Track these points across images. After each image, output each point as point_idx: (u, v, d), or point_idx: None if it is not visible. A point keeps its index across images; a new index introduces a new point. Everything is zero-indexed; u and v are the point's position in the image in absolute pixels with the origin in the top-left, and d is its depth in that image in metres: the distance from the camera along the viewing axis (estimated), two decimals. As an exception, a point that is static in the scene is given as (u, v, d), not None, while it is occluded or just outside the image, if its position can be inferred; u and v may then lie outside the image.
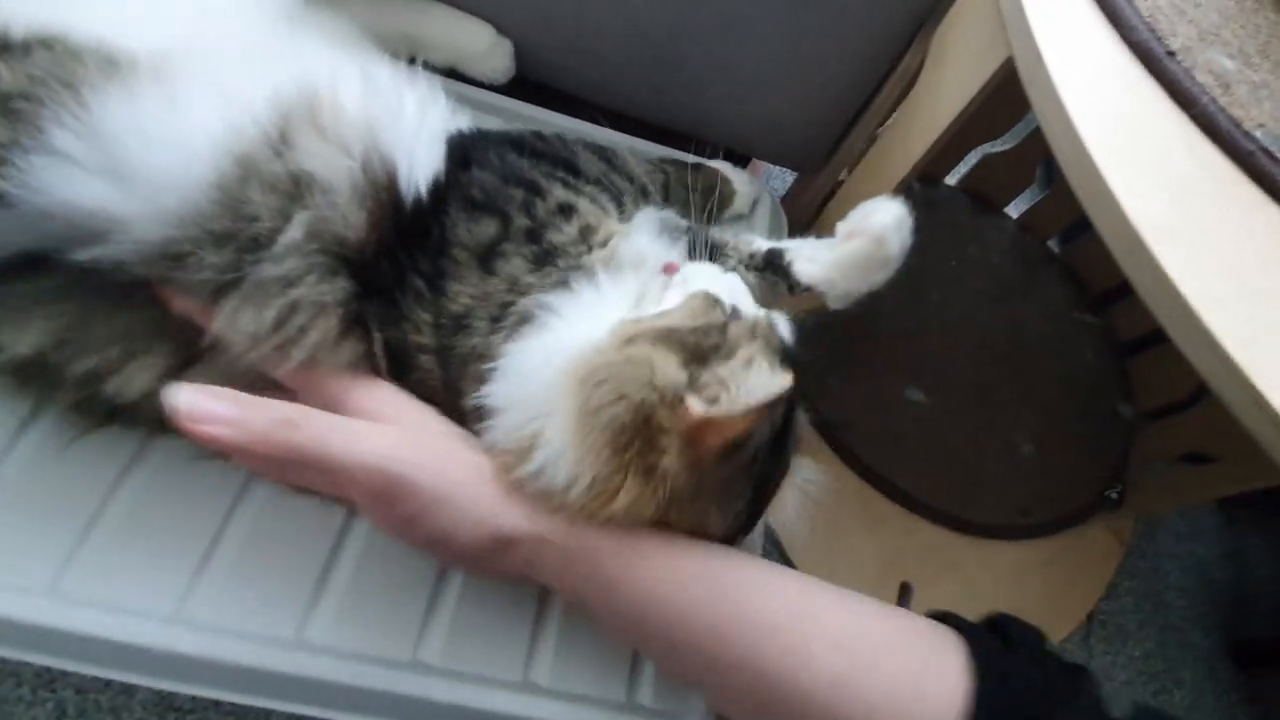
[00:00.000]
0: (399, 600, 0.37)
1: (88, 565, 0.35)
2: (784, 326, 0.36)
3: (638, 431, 0.29)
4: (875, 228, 0.39)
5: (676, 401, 0.29)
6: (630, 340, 0.31)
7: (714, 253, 0.39)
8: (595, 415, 0.29)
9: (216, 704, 0.56)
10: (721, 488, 0.31)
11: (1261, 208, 0.36)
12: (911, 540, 0.78)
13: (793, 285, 0.41)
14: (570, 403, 0.30)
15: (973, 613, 0.78)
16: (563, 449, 0.29)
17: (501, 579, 0.36)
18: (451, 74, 0.57)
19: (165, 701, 0.56)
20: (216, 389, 0.28)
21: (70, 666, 0.34)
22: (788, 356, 0.34)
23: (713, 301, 0.34)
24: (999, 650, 0.32)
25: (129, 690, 0.56)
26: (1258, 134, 0.37)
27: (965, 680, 0.30)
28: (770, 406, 0.29)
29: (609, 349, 0.31)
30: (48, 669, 0.55)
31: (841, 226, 0.40)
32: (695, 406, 0.29)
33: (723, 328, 0.32)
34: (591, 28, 0.58)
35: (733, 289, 0.36)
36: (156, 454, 0.38)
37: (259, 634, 0.35)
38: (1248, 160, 0.36)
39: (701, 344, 0.31)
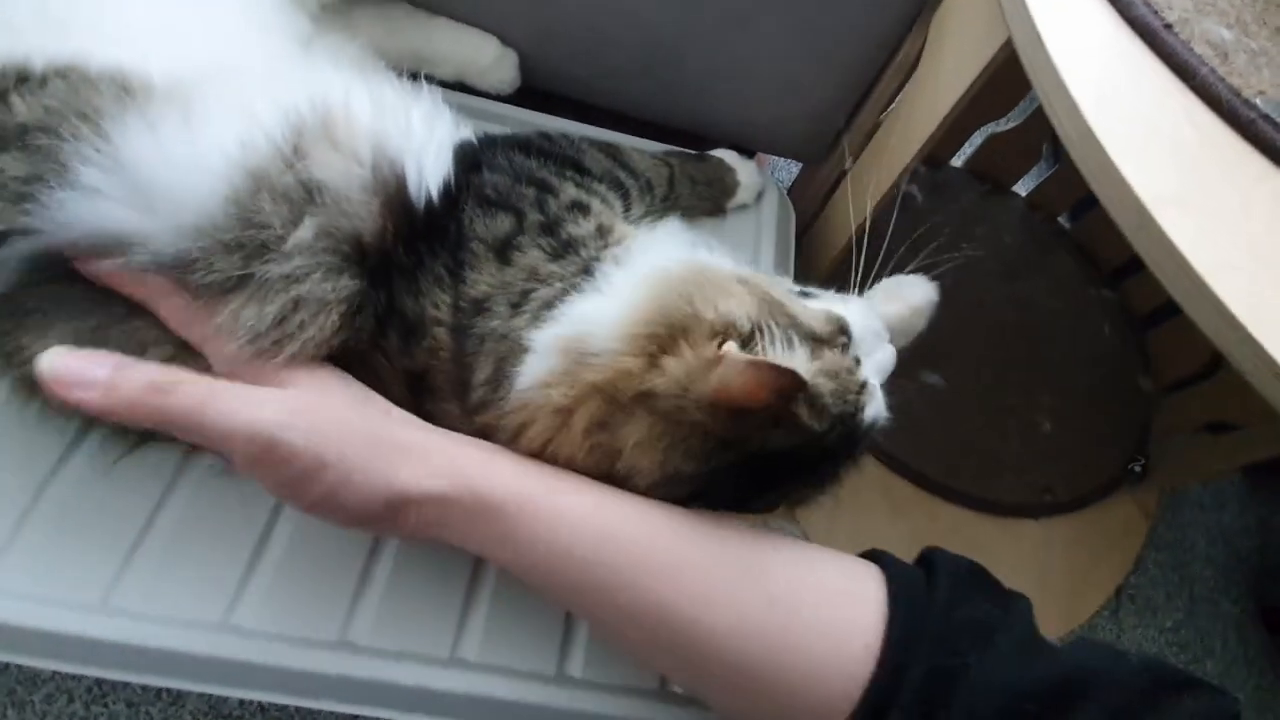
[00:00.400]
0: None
1: (137, 579, 0.36)
2: (874, 398, 0.35)
3: (675, 333, 0.30)
4: (914, 299, 0.44)
5: (717, 334, 0.30)
6: (743, 280, 0.33)
7: None
8: (661, 297, 0.31)
9: (264, 709, 0.58)
10: (699, 440, 0.31)
11: (1266, 176, 0.36)
12: (934, 523, 0.78)
13: None
14: (651, 290, 0.32)
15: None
16: (615, 318, 0.31)
17: (410, 541, 0.36)
18: (458, 87, 0.59)
19: (215, 710, 0.57)
20: (90, 352, 0.27)
21: (123, 677, 0.36)
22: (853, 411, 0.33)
23: (839, 326, 0.35)
24: (919, 585, 0.31)
25: (179, 701, 0.57)
26: (1258, 101, 0.37)
27: (882, 619, 0.30)
28: (786, 401, 0.30)
29: (722, 271, 0.34)
30: (99, 684, 0.57)
31: (878, 292, 0.44)
32: (728, 346, 0.29)
33: (821, 342, 0.33)
34: (593, 33, 0.59)
35: (874, 337, 0.37)
36: (197, 469, 0.39)
37: (301, 637, 0.36)
38: (1250, 128, 0.37)
39: (782, 323, 0.32)
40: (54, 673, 0.57)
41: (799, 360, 0.31)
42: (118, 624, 0.35)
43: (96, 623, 0.35)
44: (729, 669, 0.31)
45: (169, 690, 0.58)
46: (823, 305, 0.36)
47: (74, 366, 0.27)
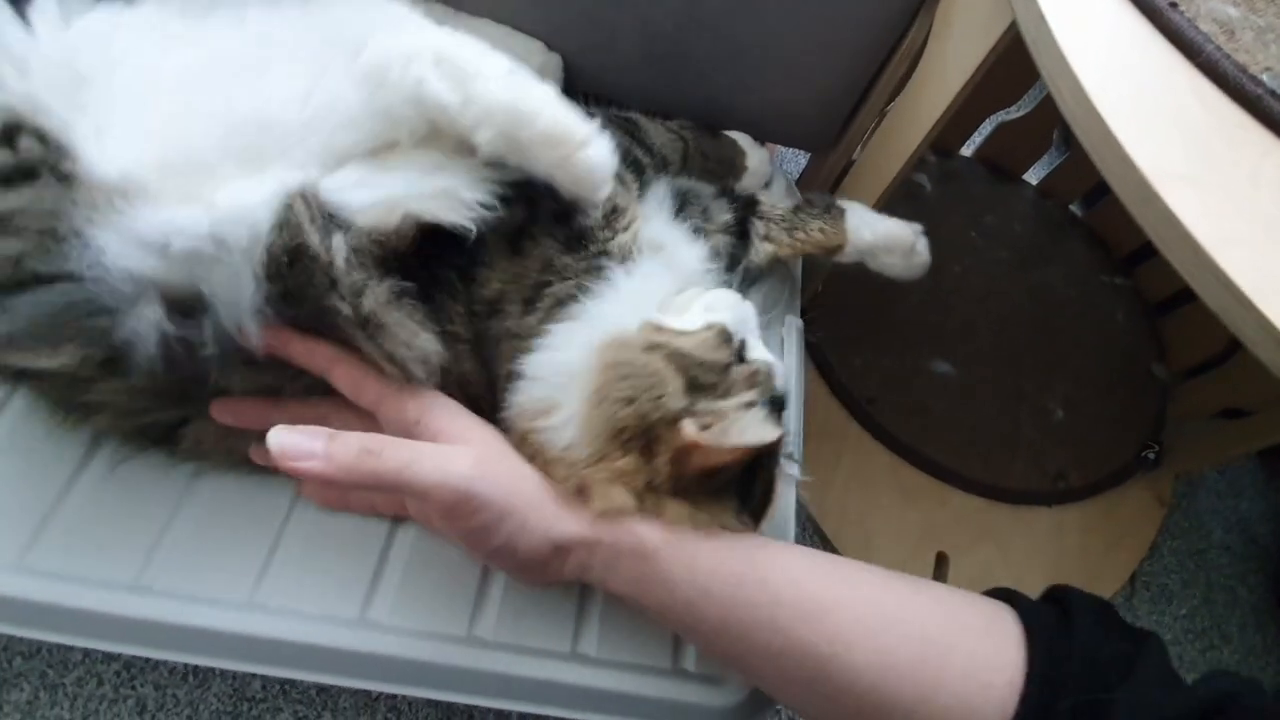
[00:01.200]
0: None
1: (166, 560, 0.38)
2: (780, 375, 0.38)
3: (638, 433, 0.33)
4: (913, 229, 0.52)
5: (674, 420, 0.32)
6: (651, 347, 0.34)
7: (749, 206, 0.41)
8: (607, 404, 0.33)
9: (285, 692, 0.59)
10: (706, 496, 0.34)
11: (1273, 150, 0.36)
12: (946, 510, 0.78)
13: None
14: (590, 381, 0.33)
15: (1011, 578, 0.78)
16: (571, 417, 0.33)
17: (557, 585, 0.39)
18: None
19: (239, 693, 0.59)
20: (306, 428, 0.30)
21: (153, 654, 0.37)
22: (779, 405, 0.37)
23: (724, 339, 0.36)
24: (1055, 625, 0.32)
25: (204, 684, 0.59)
26: (1264, 77, 0.37)
27: (1021, 657, 0.30)
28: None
29: (634, 345, 0.34)
30: (126, 667, 0.59)
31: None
32: (689, 430, 0.32)
33: (726, 368, 0.35)
34: (604, 27, 0.60)
35: (746, 321, 0.38)
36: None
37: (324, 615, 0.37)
38: (1257, 104, 0.37)
39: (702, 379, 0.34)
40: (84, 656, 0.58)
41: (758, 421, 0.34)
42: (149, 602, 0.36)
43: (128, 601, 0.36)
44: (874, 708, 0.32)
45: (195, 673, 0.59)
46: (700, 318, 0.37)
47: (296, 441, 0.30)
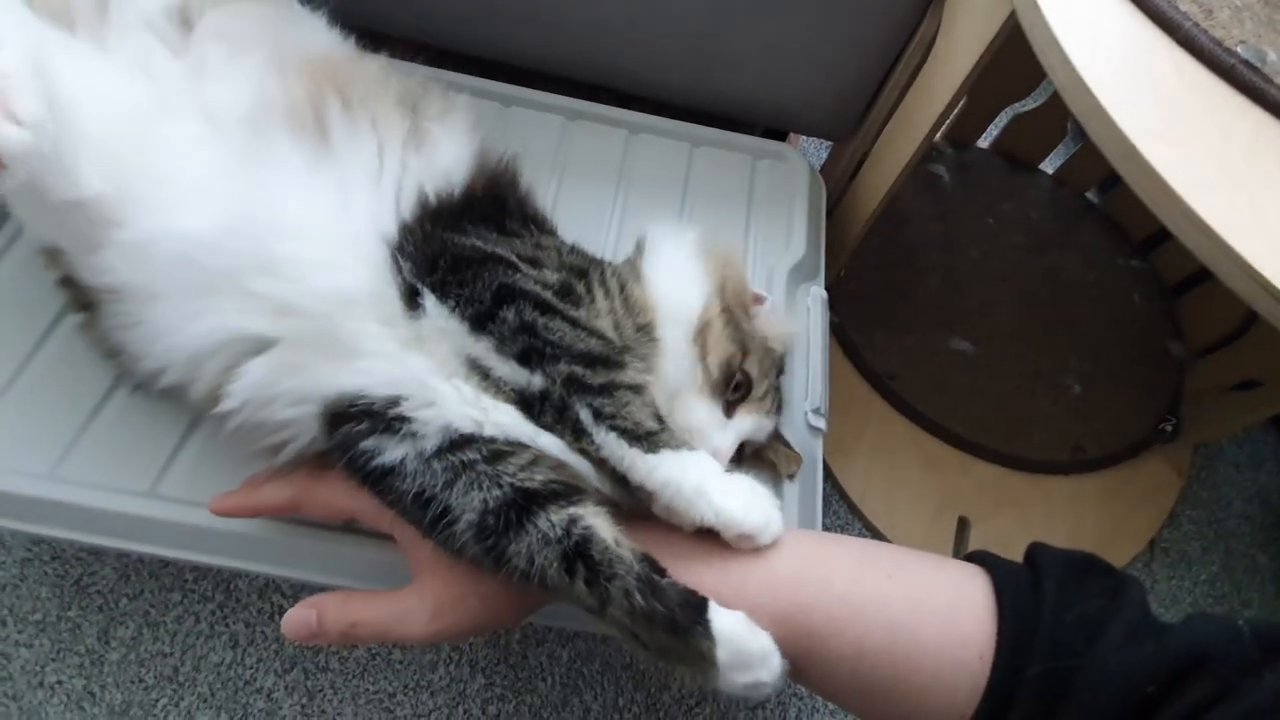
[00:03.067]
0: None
1: (180, 471, 0.46)
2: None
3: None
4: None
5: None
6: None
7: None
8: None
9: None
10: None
11: (1246, 112, 0.40)
12: (967, 478, 0.82)
13: None
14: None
15: (1030, 542, 0.82)
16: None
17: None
18: (493, 73, 0.66)
19: (318, 630, 0.65)
20: (301, 611, 0.38)
21: (168, 554, 0.45)
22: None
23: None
24: (1025, 589, 0.32)
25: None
26: (1239, 49, 0.42)
27: (992, 629, 0.32)
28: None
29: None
30: (220, 607, 0.65)
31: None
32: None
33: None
34: (639, 28, 0.66)
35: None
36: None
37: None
38: (1230, 73, 0.41)
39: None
40: (182, 597, 0.65)
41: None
42: (164, 507, 0.44)
43: (144, 505, 0.44)
44: (857, 693, 0.35)
45: (281, 612, 0.65)
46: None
47: (294, 623, 0.38)
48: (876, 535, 0.80)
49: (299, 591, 0.66)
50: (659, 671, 0.33)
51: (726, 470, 0.37)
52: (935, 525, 0.79)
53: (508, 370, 0.36)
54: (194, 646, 0.64)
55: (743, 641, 0.32)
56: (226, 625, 0.65)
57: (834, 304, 0.91)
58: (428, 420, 0.35)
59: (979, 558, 0.36)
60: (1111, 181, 1.08)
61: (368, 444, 0.35)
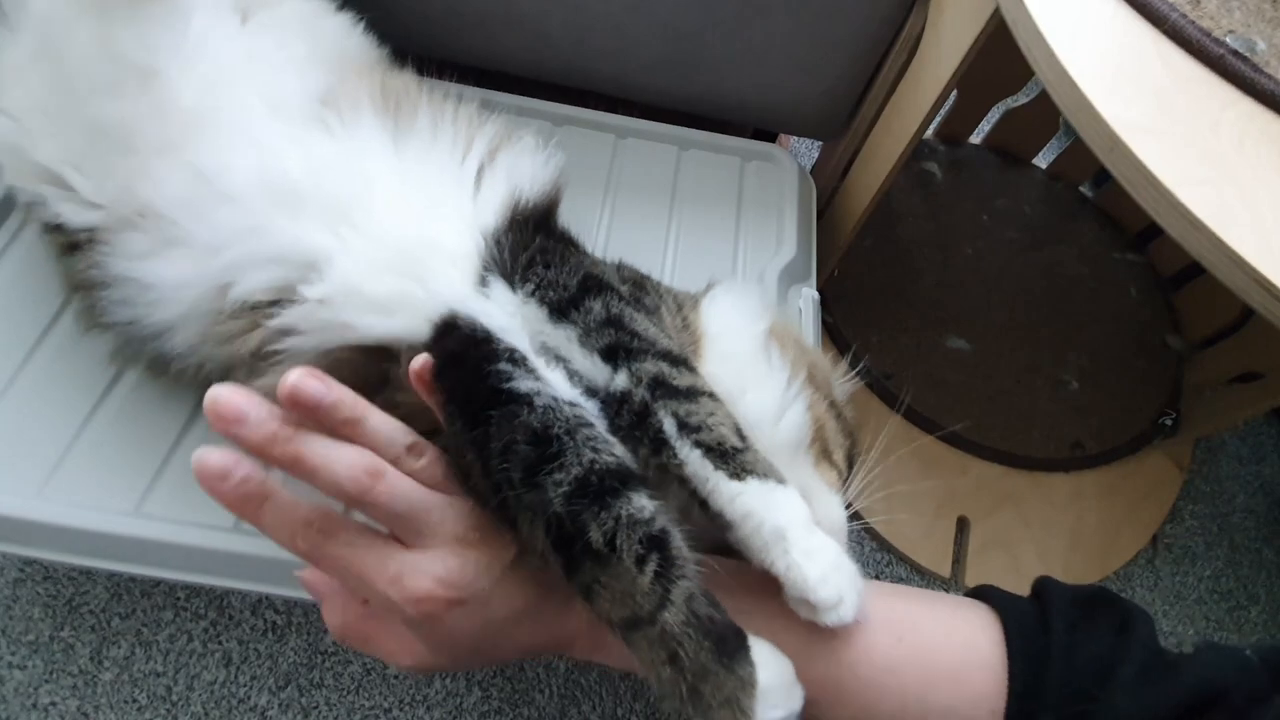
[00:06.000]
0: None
1: (164, 490, 0.45)
2: None
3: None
4: None
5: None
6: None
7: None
8: None
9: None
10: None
11: (1234, 102, 0.40)
12: (966, 478, 0.81)
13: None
14: None
15: (1031, 541, 0.81)
16: None
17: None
18: (488, 82, 0.66)
19: (313, 646, 0.64)
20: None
21: (152, 573, 0.44)
22: None
23: None
24: (1033, 631, 0.32)
25: (282, 639, 0.65)
26: (1228, 39, 0.41)
27: (1002, 679, 0.31)
28: None
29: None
30: (213, 624, 0.65)
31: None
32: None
33: None
34: (624, 32, 0.66)
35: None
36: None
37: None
38: (1219, 63, 0.41)
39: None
40: (174, 615, 0.65)
41: None
42: (149, 525, 0.43)
43: (131, 524, 0.43)
44: None
45: (274, 629, 0.65)
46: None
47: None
48: (875, 538, 0.79)
49: (292, 608, 0.65)
50: (678, 710, 0.29)
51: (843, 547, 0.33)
52: (935, 525, 0.78)
53: (588, 365, 0.33)
54: (187, 665, 0.63)
55: (781, 667, 0.30)
56: (220, 643, 0.64)
57: (828, 305, 0.91)
58: (549, 379, 0.33)
59: (989, 595, 0.35)
60: (1105, 175, 1.07)
61: (503, 366, 0.32)
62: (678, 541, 0.30)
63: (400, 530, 0.31)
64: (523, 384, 0.31)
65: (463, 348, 0.33)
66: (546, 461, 0.30)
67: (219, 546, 0.44)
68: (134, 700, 0.62)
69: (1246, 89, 0.40)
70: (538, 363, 0.33)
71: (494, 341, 0.33)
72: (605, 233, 0.62)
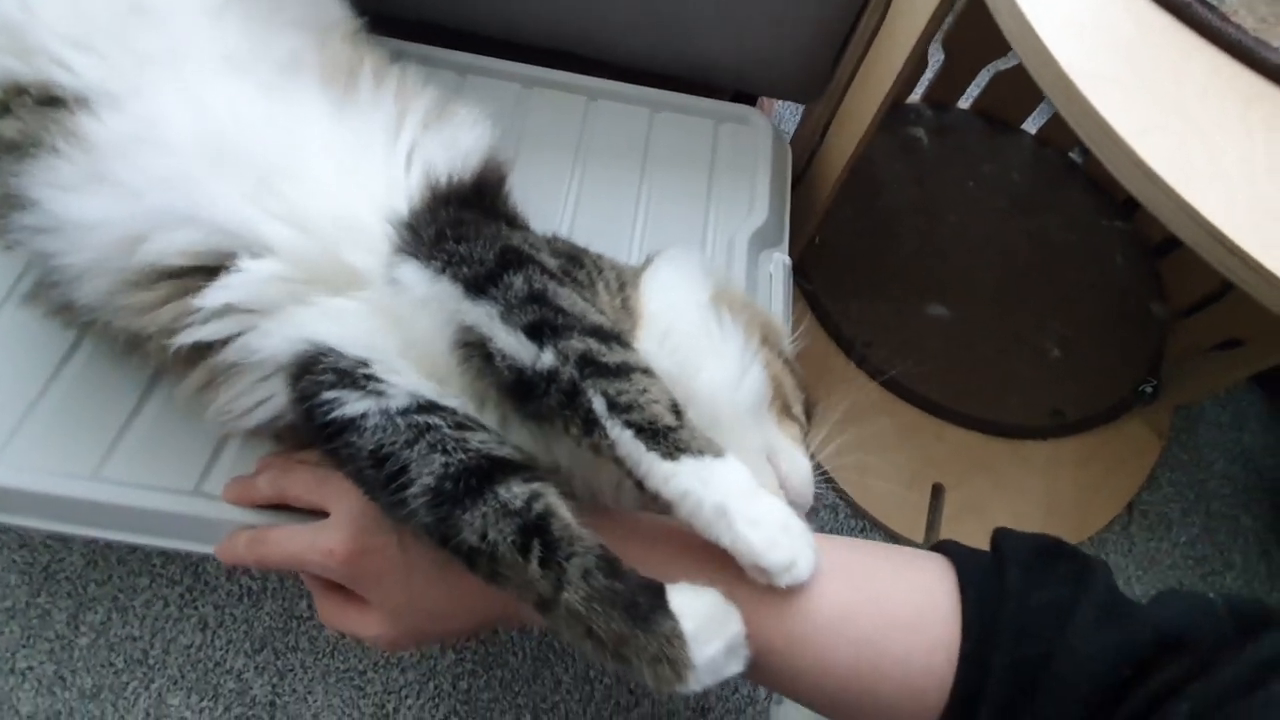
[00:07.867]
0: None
1: (123, 454, 0.44)
2: None
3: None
4: None
5: None
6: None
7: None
8: None
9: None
10: None
11: (1199, 50, 0.39)
12: (942, 445, 0.81)
13: None
14: None
15: (1006, 508, 0.81)
16: None
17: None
18: (447, 41, 0.64)
19: (288, 611, 0.65)
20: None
21: (112, 536, 0.44)
22: None
23: None
24: (988, 579, 0.32)
25: (258, 604, 0.65)
26: (1195, -13, 0.40)
27: (957, 627, 0.31)
28: None
29: None
30: (189, 590, 0.65)
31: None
32: None
33: None
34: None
35: None
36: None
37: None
38: (1184, 11, 0.40)
39: None
40: (150, 581, 0.65)
41: None
42: (107, 489, 0.43)
43: (90, 488, 0.43)
44: (823, 700, 0.34)
45: (249, 594, 0.66)
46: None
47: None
48: (850, 504, 0.80)
49: (267, 574, 0.66)
50: (618, 674, 0.29)
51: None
52: (910, 492, 0.79)
53: (513, 343, 0.32)
54: (163, 629, 0.64)
55: (705, 605, 0.30)
56: (195, 608, 0.65)
57: (808, 272, 0.90)
58: (395, 383, 0.33)
59: (947, 548, 0.35)
60: (1095, 141, 1.06)
61: (330, 394, 0.33)
62: (562, 520, 0.31)
63: (319, 505, 0.37)
64: (350, 408, 0.32)
65: (307, 385, 0.34)
66: (394, 479, 0.31)
67: (181, 510, 0.43)
68: (110, 664, 0.63)
69: (1212, 38, 0.39)
70: (398, 364, 0.34)
71: (320, 365, 0.34)
72: (574, 198, 0.61)
